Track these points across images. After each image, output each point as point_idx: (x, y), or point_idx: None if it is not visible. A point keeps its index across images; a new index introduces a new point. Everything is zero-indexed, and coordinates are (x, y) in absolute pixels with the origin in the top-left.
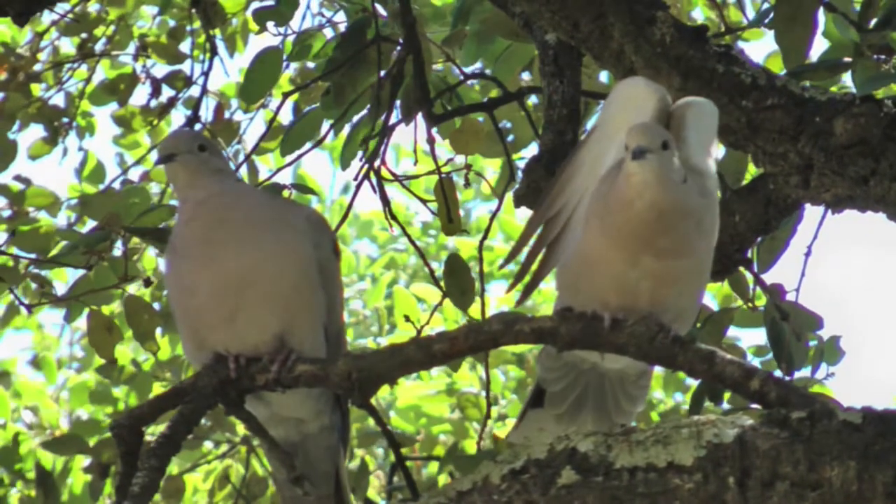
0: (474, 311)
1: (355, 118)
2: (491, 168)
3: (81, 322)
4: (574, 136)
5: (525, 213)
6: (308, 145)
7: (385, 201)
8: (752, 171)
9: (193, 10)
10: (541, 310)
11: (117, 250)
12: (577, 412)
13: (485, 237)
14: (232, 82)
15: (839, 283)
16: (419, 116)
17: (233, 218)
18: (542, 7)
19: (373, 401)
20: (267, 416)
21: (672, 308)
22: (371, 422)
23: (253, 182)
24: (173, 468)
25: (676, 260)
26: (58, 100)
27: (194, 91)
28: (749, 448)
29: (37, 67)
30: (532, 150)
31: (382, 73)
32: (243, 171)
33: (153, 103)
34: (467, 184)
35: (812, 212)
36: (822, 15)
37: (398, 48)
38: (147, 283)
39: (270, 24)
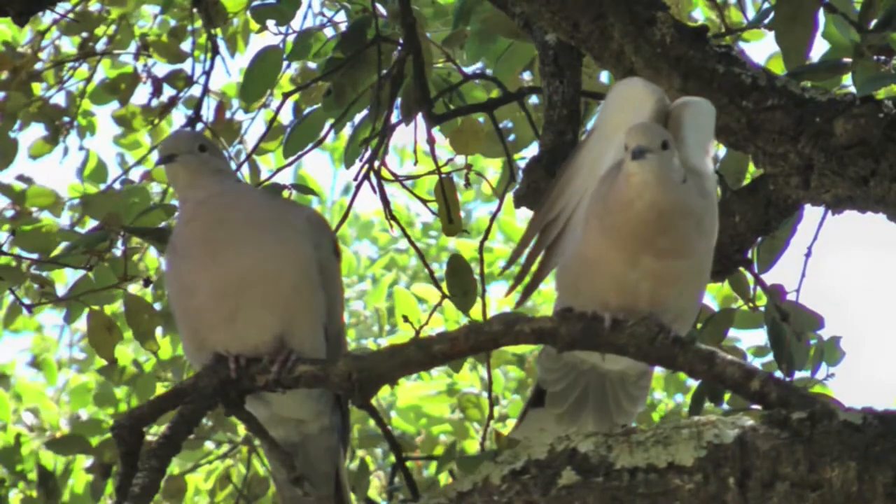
0: (475, 312)
1: (357, 118)
2: (492, 168)
3: (80, 324)
4: (574, 136)
5: (525, 214)
6: (308, 146)
7: (385, 201)
8: (752, 170)
9: (195, 10)
10: (541, 310)
11: (117, 250)
12: (578, 412)
13: (485, 238)
14: (233, 82)
15: (839, 284)
16: (419, 116)
17: (233, 218)
18: (542, 7)
19: (373, 401)
20: (267, 417)
21: (672, 308)
22: (372, 422)
23: (254, 182)
24: (174, 468)
25: (676, 260)
26: (59, 99)
27: (195, 91)
28: (749, 448)
29: (38, 66)
30: (533, 150)
31: (383, 73)
32: (245, 172)
33: (154, 102)
34: (468, 184)
35: (812, 212)
36: (822, 16)
37: (398, 48)
38: (147, 282)
39: (271, 24)
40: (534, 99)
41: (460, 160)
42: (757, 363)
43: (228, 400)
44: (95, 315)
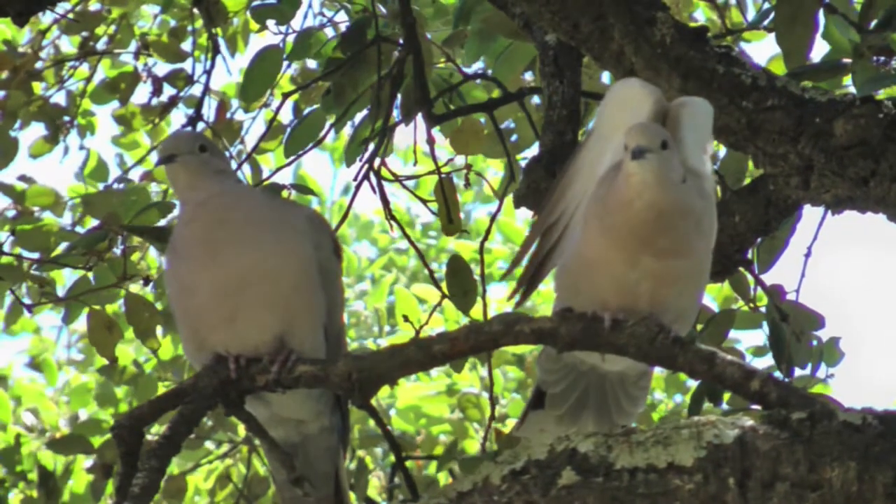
0: (475, 312)
1: (357, 117)
2: (494, 169)
3: (78, 325)
4: (574, 136)
5: (524, 214)
6: (308, 146)
7: (385, 201)
8: (752, 170)
9: (195, 9)
10: (541, 311)
11: (117, 249)
12: (578, 413)
13: (485, 238)
14: (232, 82)
15: (839, 284)
16: (419, 116)
17: (233, 219)
18: (542, 8)
19: (372, 401)
20: (267, 417)
21: (672, 309)
22: (371, 423)
23: (255, 182)
24: (174, 468)
25: (676, 260)
26: (59, 98)
27: (195, 90)
28: (749, 449)
29: (38, 66)
30: (534, 150)
31: (383, 73)
32: (246, 171)
33: (154, 102)
34: (468, 184)
35: (812, 212)
36: (822, 16)
37: (398, 48)
38: (146, 281)
39: (271, 24)
40: (536, 100)
41: (460, 160)
42: (756, 363)
43: (228, 400)
44: (96, 314)
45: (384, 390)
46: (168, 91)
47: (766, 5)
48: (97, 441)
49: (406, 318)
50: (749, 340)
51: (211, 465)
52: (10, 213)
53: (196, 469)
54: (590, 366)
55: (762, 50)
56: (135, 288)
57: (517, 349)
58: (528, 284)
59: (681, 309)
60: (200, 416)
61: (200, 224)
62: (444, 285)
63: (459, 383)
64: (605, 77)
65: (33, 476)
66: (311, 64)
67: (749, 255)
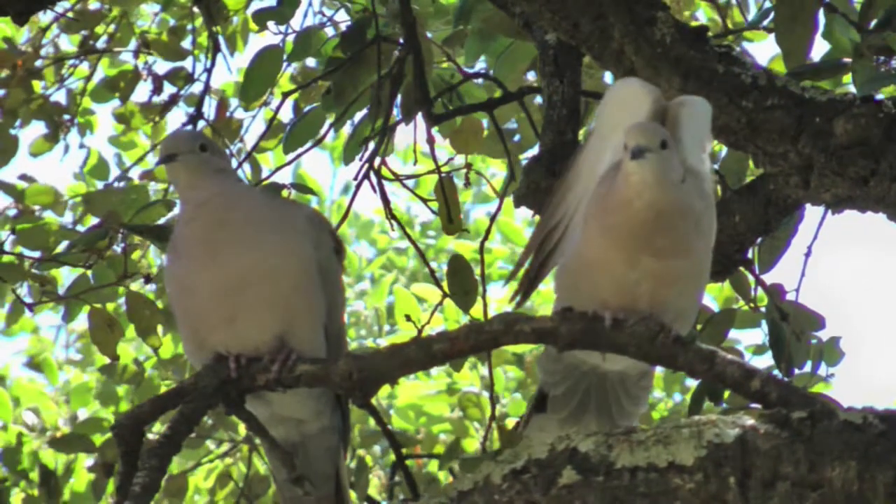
0: (476, 311)
1: (357, 117)
2: (497, 169)
3: (77, 324)
4: (574, 136)
5: (523, 214)
6: (308, 144)
7: (385, 200)
8: (752, 169)
9: (195, 8)
10: (540, 310)
11: (118, 247)
12: (581, 415)
13: (485, 238)
14: (230, 82)
15: (839, 284)
16: (419, 116)
17: (233, 218)
18: (542, 7)
19: (373, 401)
20: (267, 417)
21: (672, 308)
22: (372, 422)
23: (255, 181)
24: (175, 467)
25: (675, 260)
26: (59, 97)
27: (195, 88)
28: (750, 448)
29: (38, 64)
30: (537, 150)
31: (383, 72)
32: (246, 170)
33: (155, 100)
34: (468, 184)
35: (812, 212)
36: (822, 16)
37: (399, 48)
38: (147, 279)
39: (271, 24)
40: (538, 100)
41: (459, 160)
42: (755, 363)
43: (229, 399)
44: (96, 313)
45: (384, 389)
46: (168, 89)
47: (767, 4)
48: (98, 440)
49: (408, 318)
50: (748, 339)
51: (211, 465)
52: (11, 213)
53: (196, 468)
54: (591, 366)
55: (764, 50)
56: (135, 286)
57: (517, 349)
58: (528, 285)
59: (681, 309)
60: (201, 416)
61: (200, 224)
62: (444, 284)
63: (459, 382)
64: (608, 77)
65: (34, 475)
66: (311, 62)
67: (749, 255)
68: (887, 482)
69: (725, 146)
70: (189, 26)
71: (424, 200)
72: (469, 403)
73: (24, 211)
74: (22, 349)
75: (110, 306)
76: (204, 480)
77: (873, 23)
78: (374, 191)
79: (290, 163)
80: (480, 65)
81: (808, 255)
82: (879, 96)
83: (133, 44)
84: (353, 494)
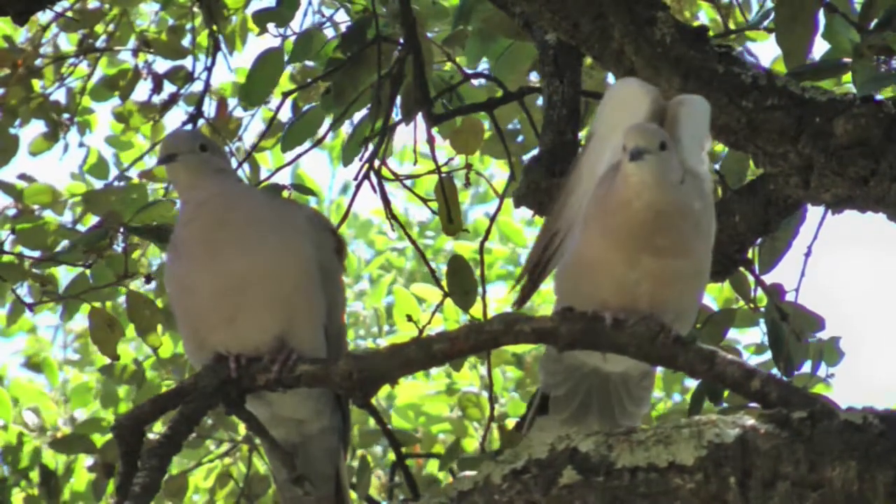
0: (475, 311)
1: (356, 117)
2: (495, 169)
3: (74, 324)
4: (574, 136)
5: (522, 214)
6: (307, 145)
7: (385, 201)
8: (753, 169)
9: (195, 7)
10: (541, 311)
11: (118, 246)
12: (583, 417)
13: (485, 238)
14: (228, 82)
15: (839, 284)
16: (419, 116)
17: (233, 219)
18: (542, 7)
19: (372, 401)
20: (267, 417)
21: (672, 308)
22: (371, 422)
23: (254, 180)
24: (174, 467)
25: (675, 260)
26: (59, 96)
27: (195, 87)
28: (750, 448)
29: (37, 63)
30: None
31: (383, 72)
32: (245, 170)
33: (155, 99)
34: (467, 184)
35: (812, 212)
36: (822, 16)
37: (399, 48)
38: (148, 280)
39: (271, 25)
40: (541, 101)
41: (458, 159)
42: (754, 361)
43: (229, 399)
44: (96, 312)
45: (383, 390)
46: (168, 88)
47: (769, 4)
48: (98, 440)
49: (409, 318)
50: (747, 339)
51: (211, 465)
52: (11, 212)
53: (196, 468)
54: (592, 367)
55: (768, 50)
56: (133, 286)
57: (517, 349)
58: (529, 285)
59: (681, 309)
60: (201, 416)
61: (201, 224)
62: (444, 284)
63: (459, 382)
64: (610, 78)
65: (34, 475)
66: (310, 61)
67: (749, 255)
68: (887, 482)
69: (726, 146)
70: (188, 25)
71: (424, 201)
72: (469, 403)
73: (24, 210)
74: (19, 349)
75: (109, 305)
76: (204, 480)
77: (873, 23)
78: (375, 191)
79: (289, 164)
80: (481, 66)
81: (807, 255)
82: (879, 96)
83: (132, 43)
84: (353, 495)
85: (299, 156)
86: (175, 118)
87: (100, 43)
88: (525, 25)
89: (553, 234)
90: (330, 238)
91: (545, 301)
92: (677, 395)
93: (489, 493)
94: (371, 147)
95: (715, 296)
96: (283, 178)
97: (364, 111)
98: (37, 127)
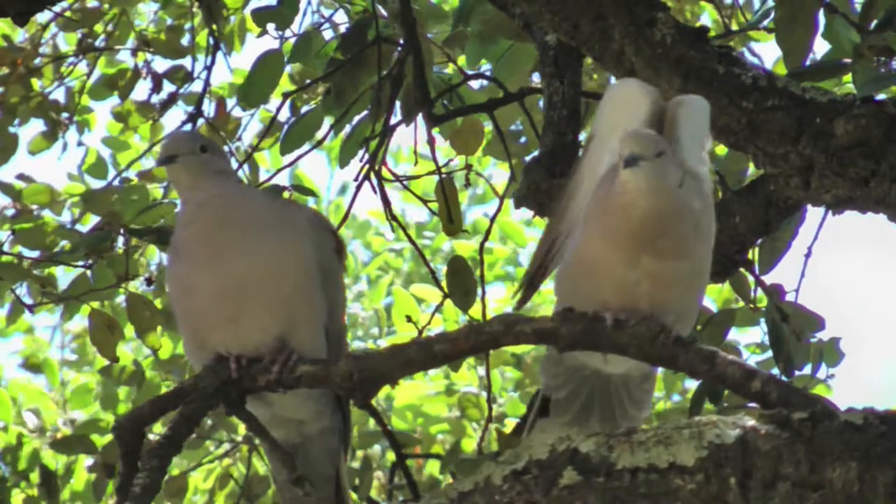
0: (474, 311)
1: (356, 118)
2: (493, 170)
3: (72, 325)
4: (574, 137)
5: (522, 214)
6: (307, 146)
7: (386, 202)
8: (752, 169)
9: (195, 6)
10: (541, 311)
11: (119, 248)
12: (585, 420)
13: (485, 239)
14: (226, 83)
15: (839, 284)
16: (420, 117)
17: (234, 220)
18: (542, 8)
19: (372, 401)
20: (268, 418)
21: (673, 309)
22: (371, 423)
23: (253, 181)
24: (174, 468)
25: (676, 261)
26: (58, 95)
27: (194, 87)
28: (751, 449)
29: (36, 62)
30: None
31: (383, 73)
32: (245, 170)
33: (154, 98)
34: (467, 184)
35: (812, 212)
36: (822, 17)
37: (399, 49)
38: (149, 282)
39: (271, 27)
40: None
41: (457, 160)
42: (754, 361)
43: (229, 400)
44: (97, 314)
45: (382, 390)
46: (167, 88)
47: (770, 2)
48: (99, 441)
49: (409, 319)
50: (747, 338)
51: (211, 465)
52: (10, 212)
53: (196, 469)
54: (593, 369)
55: (770, 50)
56: (132, 287)
57: (516, 349)
58: (529, 286)
59: (681, 309)
60: (201, 416)
61: (201, 225)
62: (443, 285)
63: (457, 383)
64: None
65: (35, 476)
66: (310, 63)
67: (749, 256)
68: (888, 483)
69: (726, 147)
70: (187, 25)
71: (425, 201)
72: (469, 404)
73: (23, 210)
74: (17, 349)
75: (107, 305)
76: (204, 481)
77: (874, 23)
78: (375, 192)
79: (289, 165)
80: (482, 68)
81: (808, 255)
82: (880, 97)
83: (131, 42)
84: (353, 495)
85: (299, 157)
86: (174, 118)
87: (99, 42)
88: (525, 26)
89: (555, 237)
90: (330, 238)
91: (545, 301)
92: (676, 395)
93: (490, 494)
94: (371, 148)
95: (714, 297)
96: (281, 178)
97: (362, 112)
98: (36, 126)
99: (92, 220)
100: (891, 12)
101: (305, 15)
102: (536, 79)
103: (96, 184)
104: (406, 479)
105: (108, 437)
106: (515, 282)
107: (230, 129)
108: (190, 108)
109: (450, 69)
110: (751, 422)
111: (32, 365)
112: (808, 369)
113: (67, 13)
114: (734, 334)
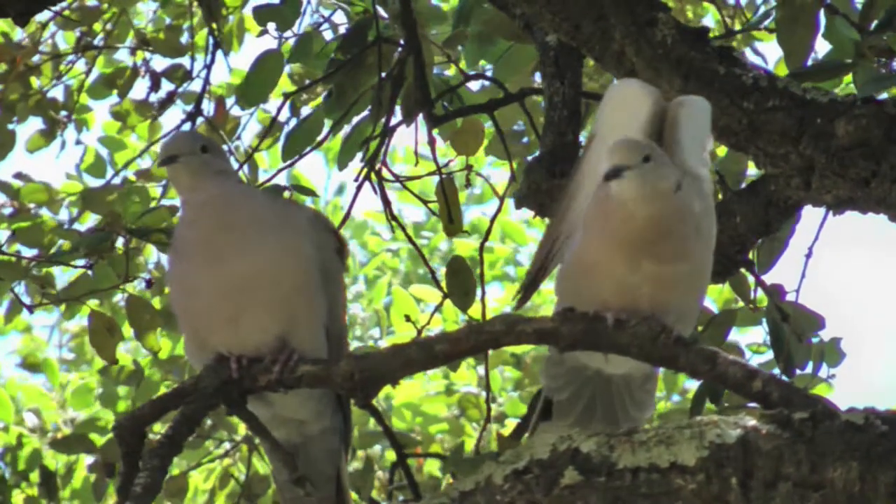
0: (474, 311)
1: (355, 119)
2: (492, 170)
3: (70, 324)
4: (575, 137)
5: (523, 214)
6: (306, 148)
7: (386, 202)
8: (753, 169)
9: (194, 6)
10: (541, 311)
11: (119, 248)
12: (587, 422)
13: (485, 239)
14: (224, 82)
15: (839, 284)
16: (420, 117)
17: (234, 220)
18: (542, 9)
19: (373, 401)
20: (269, 418)
21: (674, 310)
22: (372, 423)
23: (253, 181)
24: (174, 468)
25: (676, 264)
26: (56, 93)
27: (193, 86)
28: (752, 448)
29: (35, 59)
30: None
31: (383, 74)
32: (244, 170)
33: (153, 97)
34: (468, 185)
35: (812, 212)
36: (823, 17)
37: (399, 49)
38: (149, 284)
39: (271, 27)
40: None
41: (457, 161)
42: (755, 361)
43: (230, 400)
44: (96, 316)
45: (382, 390)
46: (166, 86)
47: (772, 3)
48: (98, 440)
49: (408, 319)
50: (747, 338)
51: (211, 465)
52: (7, 211)
53: (197, 468)
54: (594, 370)
55: (773, 50)
56: (131, 287)
57: (516, 349)
58: (529, 286)
59: (682, 310)
60: (202, 416)
61: (202, 225)
62: (443, 285)
63: (457, 383)
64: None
65: (35, 476)
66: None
67: (750, 256)
68: (889, 483)
69: (727, 147)
70: (186, 24)
71: (425, 202)
72: (469, 404)
73: (21, 209)
74: (14, 348)
75: (107, 306)
76: (204, 481)
77: (874, 24)
78: (375, 192)
79: (288, 166)
80: (487, 69)
81: (808, 255)
82: (881, 97)
83: (130, 41)
84: (354, 496)
85: (299, 157)
86: (173, 117)
87: (98, 41)
88: (525, 27)
89: (556, 237)
90: (331, 238)
91: (545, 301)
92: (676, 395)
93: (491, 494)
94: (371, 149)
95: (715, 297)
96: (281, 178)
97: (362, 113)
98: (34, 124)
99: (90, 220)
100: (891, 13)
101: (305, 15)
102: (537, 79)
103: (94, 183)
104: (407, 479)
105: (108, 437)
106: (515, 282)
107: (229, 129)
108: (189, 108)
109: (450, 70)
110: (752, 422)
111: (30, 364)
112: (809, 369)
113: (66, 12)
114: (735, 335)
